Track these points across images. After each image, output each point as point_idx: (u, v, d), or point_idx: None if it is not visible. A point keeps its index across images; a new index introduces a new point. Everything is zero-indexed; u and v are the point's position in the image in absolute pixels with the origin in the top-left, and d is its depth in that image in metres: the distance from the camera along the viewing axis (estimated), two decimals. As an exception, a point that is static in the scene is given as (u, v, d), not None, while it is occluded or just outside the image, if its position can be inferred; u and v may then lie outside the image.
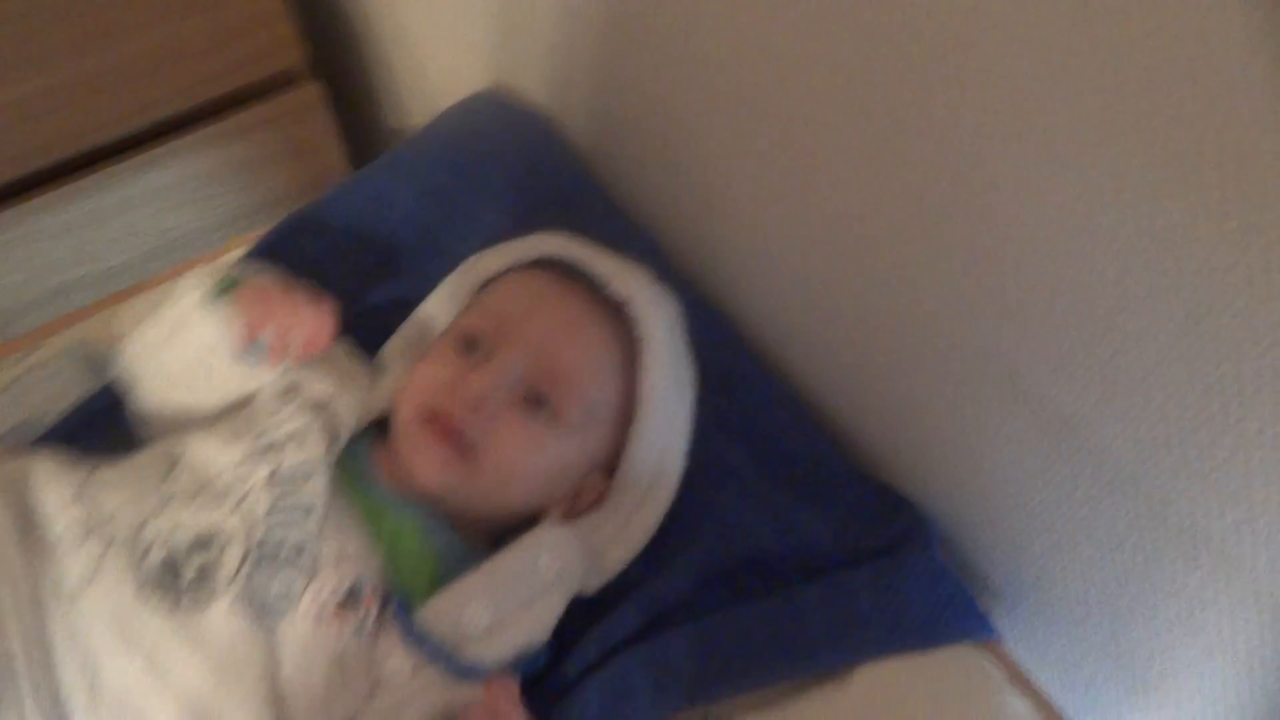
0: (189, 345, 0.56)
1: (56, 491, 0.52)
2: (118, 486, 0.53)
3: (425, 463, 0.55)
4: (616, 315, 0.60)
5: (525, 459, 0.56)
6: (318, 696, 0.49)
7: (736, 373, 0.66)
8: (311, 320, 0.56)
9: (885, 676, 0.55)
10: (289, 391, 0.57)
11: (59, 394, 0.63)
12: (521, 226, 0.66)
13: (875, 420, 0.64)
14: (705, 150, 0.67)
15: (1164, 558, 0.48)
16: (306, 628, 0.49)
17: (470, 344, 0.58)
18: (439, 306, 0.64)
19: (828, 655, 0.56)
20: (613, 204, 0.74)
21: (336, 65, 1.15)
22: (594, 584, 0.58)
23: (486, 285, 0.63)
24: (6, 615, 0.47)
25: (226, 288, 0.56)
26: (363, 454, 0.57)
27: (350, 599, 0.50)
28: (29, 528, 0.51)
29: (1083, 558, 0.53)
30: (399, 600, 0.52)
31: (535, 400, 0.56)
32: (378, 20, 1.07)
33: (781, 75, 0.56)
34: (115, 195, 1.03)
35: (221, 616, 0.48)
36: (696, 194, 0.70)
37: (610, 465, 0.60)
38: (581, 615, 0.57)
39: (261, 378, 0.57)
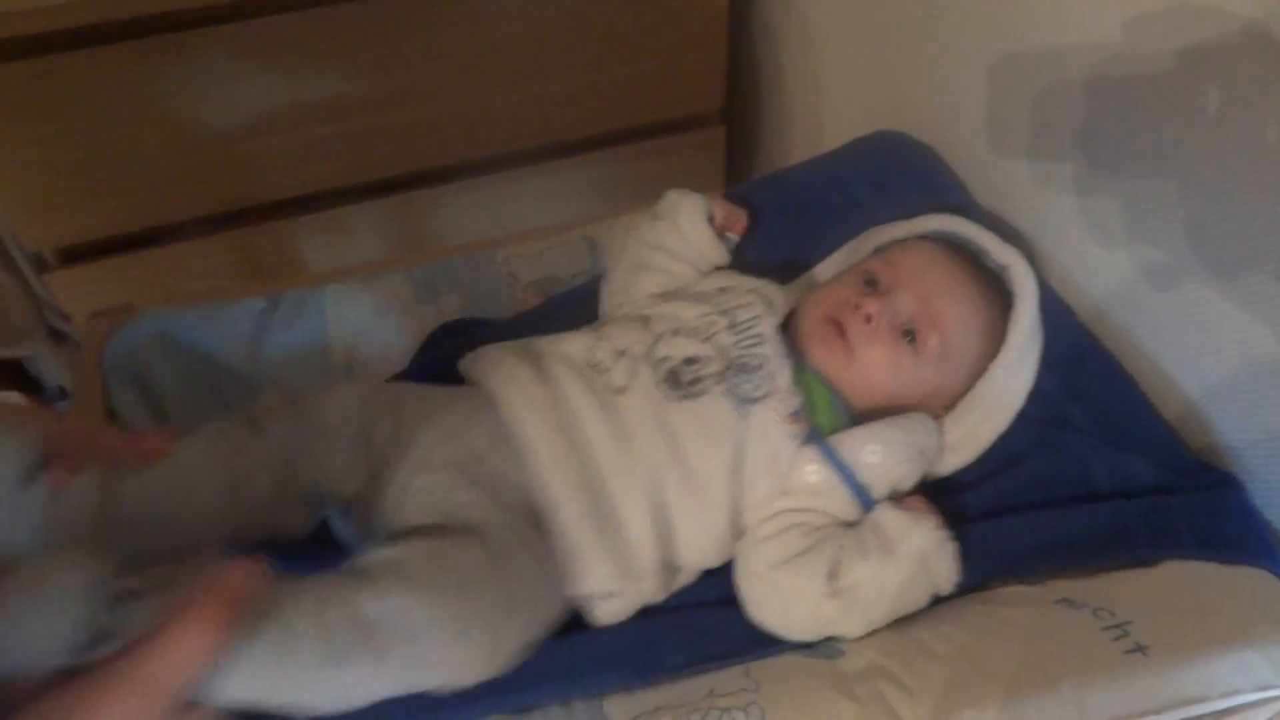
0: (681, 215, 0.83)
1: (578, 341, 0.76)
2: (618, 334, 0.75)
3: (818, 347, 0.75)
4: (993, 280, 0.79)
5: (884, 367, 0.74)
6: (759, 472, 0.70)
7: (1078, 345, 0.82)
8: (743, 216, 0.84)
9: (1189, 568, 0.67)
10: (725, 289, 0.80)
11: (570, 262, 0.91)
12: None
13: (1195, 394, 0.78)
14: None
15: None
16: (768, 418, 0.69)
17: (871, 282, 0.78)
18: (835, 263, 0.87)
19: (1143, 550, 0.69)
20: (986, 215, 0.93)
21: (737, 111, 1.43)
22: (930, 474, 0.75)
23: (881, 249, 0.84)
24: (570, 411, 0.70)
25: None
26: (781, 337, 0.78)
27: (796, 416, 0.71)
28: (541, 369, 0.73)
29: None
30: (816, 431, 0.72)
31: (907, 333, 0.75)
32: (778, 78, 1.34)
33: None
34: (561, 179, 1.35)
35: (714, 401, 0.70)
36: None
37: (956, 398, 0.77)
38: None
39: (715, 252, 0.83)
